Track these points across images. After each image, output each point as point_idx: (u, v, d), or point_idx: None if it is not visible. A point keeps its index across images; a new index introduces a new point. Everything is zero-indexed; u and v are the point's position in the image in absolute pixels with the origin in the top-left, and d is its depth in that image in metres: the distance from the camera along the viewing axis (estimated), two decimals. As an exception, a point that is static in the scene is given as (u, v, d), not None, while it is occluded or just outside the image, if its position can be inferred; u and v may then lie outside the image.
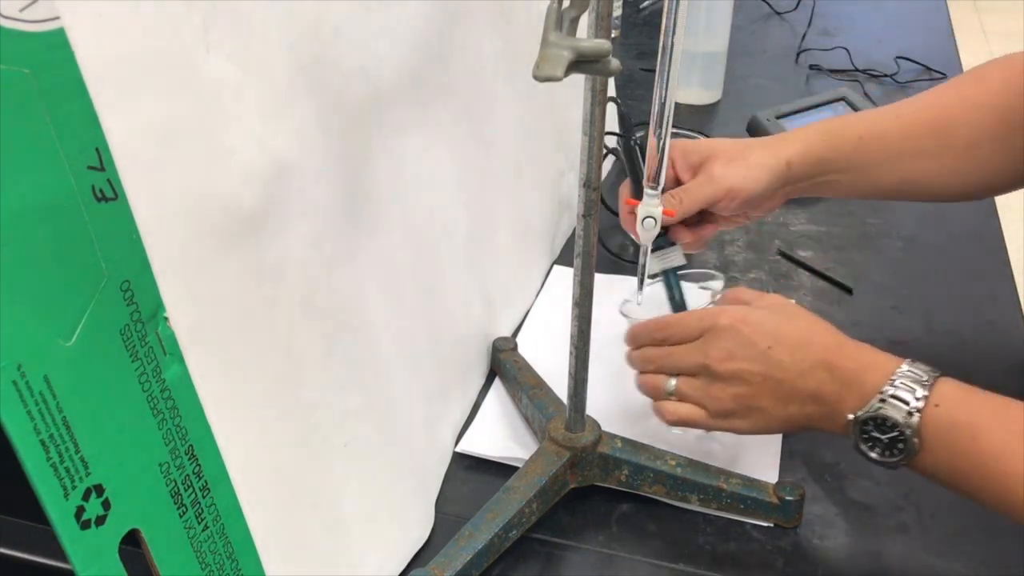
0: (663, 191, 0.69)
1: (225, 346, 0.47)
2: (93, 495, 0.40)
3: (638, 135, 0.77)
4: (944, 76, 1.33)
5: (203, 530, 0.46)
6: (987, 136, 0.74)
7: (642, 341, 0.69)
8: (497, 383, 0.80)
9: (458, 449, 0.73)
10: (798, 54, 1.43)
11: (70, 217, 0.38)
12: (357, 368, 0.58)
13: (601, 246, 0.95)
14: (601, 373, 0.71)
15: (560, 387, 0.71)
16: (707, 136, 1.10)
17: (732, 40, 1.27)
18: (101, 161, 0.39)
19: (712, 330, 0.64)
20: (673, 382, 0.66)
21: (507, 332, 0.84)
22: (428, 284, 0.69)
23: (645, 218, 0.69)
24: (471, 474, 0.72)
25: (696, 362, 0.65)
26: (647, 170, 0.68)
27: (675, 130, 1.04)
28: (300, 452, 0.54)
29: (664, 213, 0.69)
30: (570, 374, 0.65)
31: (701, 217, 0.76)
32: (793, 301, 0.69)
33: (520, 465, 0.67)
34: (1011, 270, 0.93)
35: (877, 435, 0.59)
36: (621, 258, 0.94)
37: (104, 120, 0.38)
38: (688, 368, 0.65)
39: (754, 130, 1.12)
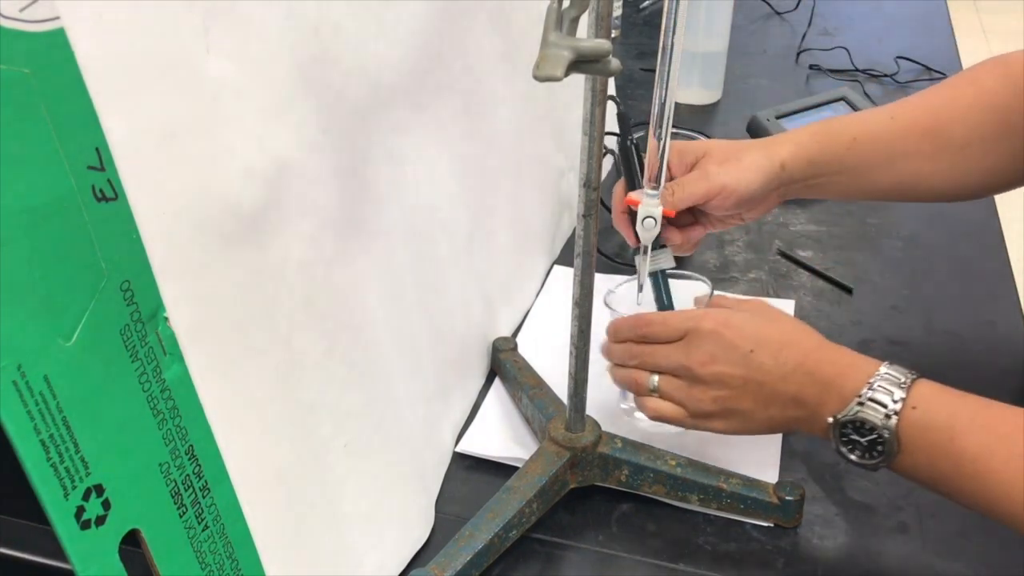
0: None
1: (225, 346, 0.47)
2: (93, 495, 0.40)
3: (636, 135, 0.77)
4: (944, 76, 1.33)
5: (203, 530, 0.46)
6: (982, 136, 0.74)
7: (624, 336, 0.69)
8: (497, 383, 0.80)
9: (458, 449, 0.73)
10: (798, 54, 1.43)
11: (70, 217, 0.38)
12: (357, 368, 0.58)
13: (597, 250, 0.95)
14: (601, 373, 0.71)
15: (560, 387, 0.71)
16: (707, 136, 1.10)
17: (732, 40, 1.27)
18: (101, 161, 0.39)
19: (695, 332, 0.65)
20: (656, 379, 0.66)
21: (507, 332, 0.84)
22: (428, 284, 0.69)
23: (645, 218, 0.69)
24: (471, 474, 0.72)
25: (678, 363, 0.65)
26: (647, 170, 0.68)
27: (675, 130, 1.04)
28: (300, 452, 0.54)
29: (664, 213, 0.69)
30: (570, 374, 0.65)
31: (692, 219, 0.76)
32: (767, 302, 0.70)
33: (520, 465, 0.67)
34: (1011, 270, 0.93)
35: (856, 438, 0.60)
36: (615, 260, 0.94)
37: (104, 120, 0.38)
38: (670, 368, 0.66)
39: (754, 130, 1.12)
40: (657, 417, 0.67)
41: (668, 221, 0.72)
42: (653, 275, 0.74)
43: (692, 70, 1.26)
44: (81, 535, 0.39)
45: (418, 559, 0.64)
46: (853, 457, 0.61)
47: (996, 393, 0.59)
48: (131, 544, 0.42)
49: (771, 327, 0.65)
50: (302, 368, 0.53)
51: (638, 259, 0.73)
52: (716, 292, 0.73)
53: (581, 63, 0.44)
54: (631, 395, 0.71)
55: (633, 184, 0.75)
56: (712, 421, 0.65)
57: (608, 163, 1.07)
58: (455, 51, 0.71)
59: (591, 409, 0.68)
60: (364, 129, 0.59)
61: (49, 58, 0.36)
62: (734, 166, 0.73)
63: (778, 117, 1.11)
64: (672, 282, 0.75)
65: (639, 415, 0.71)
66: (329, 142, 0.54)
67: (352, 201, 0.58)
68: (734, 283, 0.92)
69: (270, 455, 0.51)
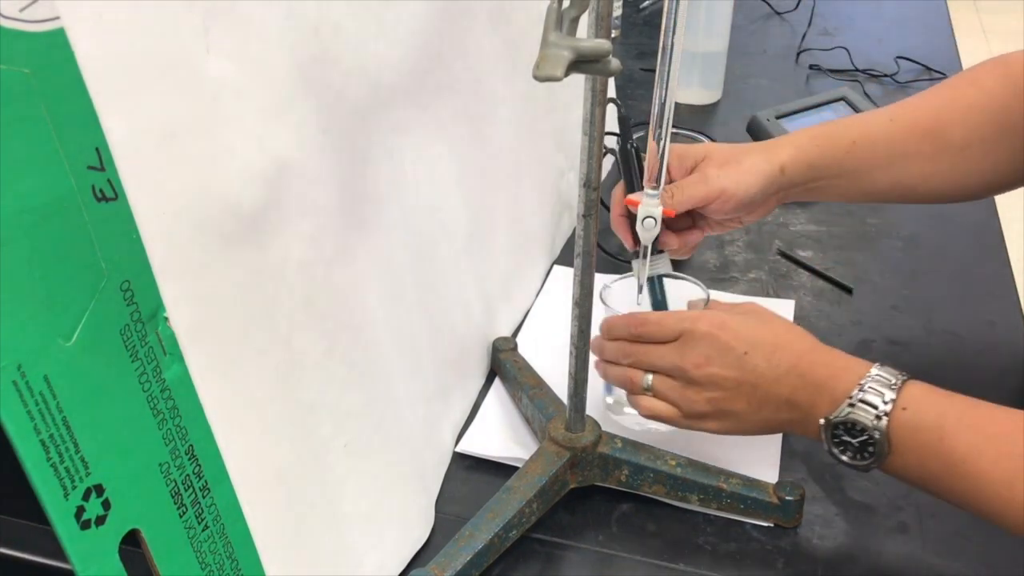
0: None
1: (225, 346, 0.47)
2: (93, 495, 0.40)
3: (636, 136, 0.77)
4: (944, 76, 1.33)
5: (203, 530, 0.46)
6: (982, 137, 0.74)
7: (618, 334, 0.69)
8: (497, 383, 0.80)
9: (458, 449, 0.73)
10: (798, 54, 1.43)
11: (70, 217, 0.38)
12: (357, 368, 0.58)
13: (598, 247, 0.95)
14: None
15: (560, 387, 0.71)
16: (708, 135, 1.10)
17: (732, 40, 1.27)
18: (101, 161, 0.39)
19: (690, 334, 0.65)
20: (650, 378, 0.67)
21: (507, 332, 0.84)
22: (428, 284, 0.69)
23: (645, 218, 0.69)
24: (471, 474, 0.72)
25: (673, 364, 0.65)
26: (647, 170, 0.68)
27: (675, 130, 1.04)
28: (300, 452, 0.54)
29: (664, 213, 0.69)
30: (570, 374, 0.65)
31: (690, 222, 0.76)
32: (762, 303, 0.70)
33: (520, 465, 0.67)
34: (1011, 270, 0.93)
35: (848, 439, 0.60)
36: (616, 258, 0.94)
37: (104, 120, 0.38)
38: (664, 369, 0.66)
39: (754, 130, 1.12)
40: (651, 416, 0.68)
41: (665, 225, 0.72)
42: (649, 280, 0.74)
43: (692, 70, 1.26)
44: (81, 535, 0.39)
45: (418, 559, 0.64)
46: (845, 458, 0.61)
47: (996, 393, 0.59)
48: (131, 544, 0.42)
49: (765, 329, 0.65)
50: (302, 368, 0.53)
51: (635, 262, 0.73)
52: (712, 299, 0.73)
53: (581, 63, 0.44)
54: (616, 391, 0.72)
55: (632, 187, 0.75)
56: (705, 422, 0.66)
57: (608, 163, 1.07)
58: (455, 51, 0.71)
59: (591, 409, 0.68)
60: (364, 129, 0.59)
61: (49, 58, 0.36)
62: (734, 170, 0.73)
63: (778, 117, 1.11)
64: (670, 284, 0.75)
65: (629, 410, 0.72)
66: (329, 142, 0.54)
67: (352, 201, 0.58)
68: (734, 283, 0.92)
69: (270, 455, 0.51)
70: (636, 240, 0.73)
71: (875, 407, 0.59)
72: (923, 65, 1.36)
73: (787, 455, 0.72)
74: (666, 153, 0.66)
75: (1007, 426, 0.57)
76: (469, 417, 0.77)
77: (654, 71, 0.63)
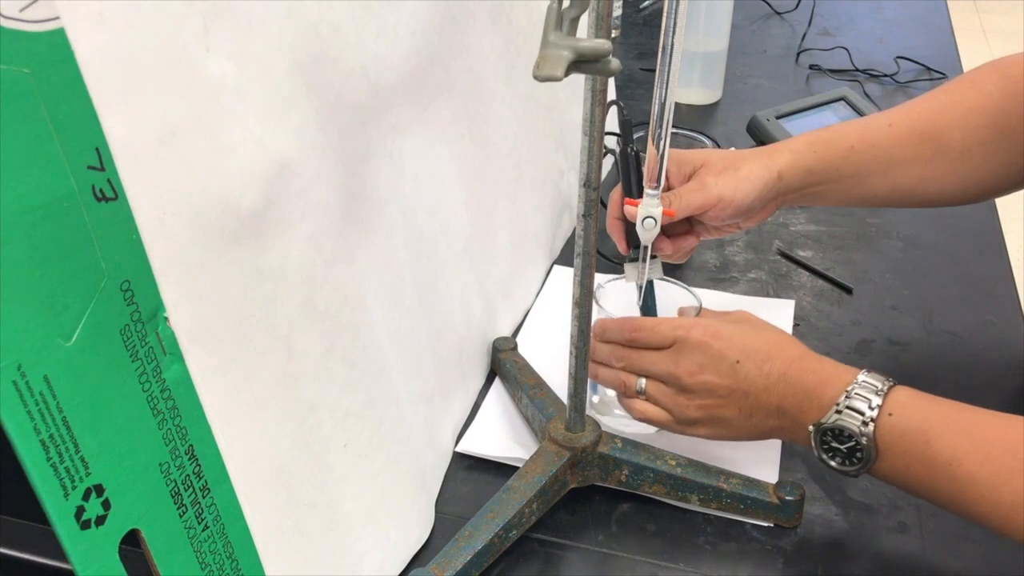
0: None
1: (225, 346, 0.47)
2: (93, 495, 0.40)
3: (636, 136, 0.77)
4: (944, 76, 1.33)
5: (203, 530, 0.46)
6: (980, 141, 0.74)
7: (611, 337, 0.69)
8: (497, 383, 0.80)
9: (458, 449, 0.73)
10: (798, 54, 1.43)
11: (70, 217, 0.38)
12: (357, 368, 0.58)
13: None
14: (601, 373, 0.71)
15: (560, 387, 0.71)
16: (708, 135, 1.10)
17: (732, 40, 1.27)
18: (101, 161, 0.39)
19: (684, 342, 0.66)
20: (643, 382, 0.68)
21: (507, 332, 0.84)
22: (428, 284, 0.69)
23: (645, 218, 0.69)
24: (471, 474, 0.72)
25: (666, 370, 0.66)
26: (647, 171, 0.68)
27: (675, 130, 1.04)
28: (300, 452, 0.54)
29: (664, 213, 0.69)
30: (570, 374, 0.65)
31: (687, 227, 0.76)
32: (755, 308, 0.70)
33: (520, 465, 0.67)
34: (1011, 270, 0.93)
35: (836, 445, 0.61)
36: (614, 261, 0.94)
37: (104, 120, 0.38)
38: (657, 374, 0.67)
39: (754, 130, 1.12)
40: (643, 419, 0.68)
41: (660, 230, 0.72)
42: (639, 286, 0.74)
43: (692, 70, 1.26)
44: (81, 535, 0.39)
45: (418, 559, 0.64)
46: (834, 464, 0.62)
47: (996, 393, 0.59)
48: (131, 544, 0.42)
49: (757, 338, 0.66)
50: (302, 368, 0.53)
51: (627, 265, 0.73)
52: (704, 306, 0.73)
53: (581, 63, 0.44)
54: (602, 391, 0.73)
55: (630, 191, 0.74)
56: (696, 427, 0.67)
57: (608, 163, 1.07)
58: (455, 51, 0.70)
59: (591, 409, 0.68)
60: (364, 129, 0.59)
61: (49, 58, 0.36)
62: (731, 177, 0.73)
63: (778, 117, 1.11)
64: (660, 288, 0.75)
65: (618, 411, 0.72)
66: (329, 142, 0.54)
67: (352, 201, 0.58)
68: (734, 283, 0.92)
69: (270, 455, 0.51)
70: (629, 243, 0.73)
71: (862, 413, 0.60)
72: (923, 65, 1.36)
73: (787, 455, 0.72)
74: (666, 154, 0.66)
75: (992, 429, 0.57)
76: (469, 417, 0.77)
77: (654, 71, 0.64)
